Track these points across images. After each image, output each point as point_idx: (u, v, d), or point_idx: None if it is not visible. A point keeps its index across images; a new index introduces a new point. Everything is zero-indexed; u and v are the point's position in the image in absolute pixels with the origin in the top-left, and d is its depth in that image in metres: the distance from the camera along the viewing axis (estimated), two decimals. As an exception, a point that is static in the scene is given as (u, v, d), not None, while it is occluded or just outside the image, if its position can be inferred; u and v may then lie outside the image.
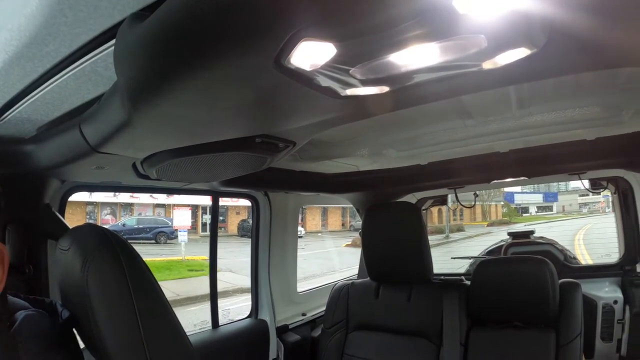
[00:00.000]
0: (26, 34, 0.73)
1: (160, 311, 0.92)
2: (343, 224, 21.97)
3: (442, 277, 2.78)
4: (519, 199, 26.91)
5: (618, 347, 2.99)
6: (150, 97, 0.75)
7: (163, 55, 0.64)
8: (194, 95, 0.75)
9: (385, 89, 0.81)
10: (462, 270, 4.28)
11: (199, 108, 0.83)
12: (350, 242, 15.42)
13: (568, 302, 1.93)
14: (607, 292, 3.06)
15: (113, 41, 0.73)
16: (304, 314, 2.64)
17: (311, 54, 0.64)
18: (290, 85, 0.74)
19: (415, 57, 0.67)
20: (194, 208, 15.65)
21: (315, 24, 0.57)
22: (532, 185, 22.35)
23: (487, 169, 2.30)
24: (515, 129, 1.72)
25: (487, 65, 0.71)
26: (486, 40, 0.61)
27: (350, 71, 0.71)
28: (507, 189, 20.91)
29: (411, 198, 3.28)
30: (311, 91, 0.78)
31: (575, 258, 4.32)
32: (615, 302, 2.99)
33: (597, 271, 3.29)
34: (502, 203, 26.74)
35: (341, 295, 2.28)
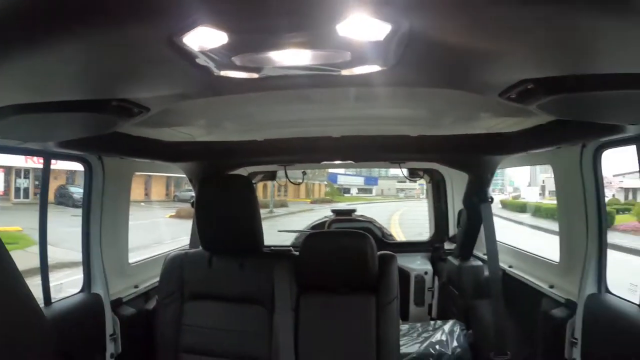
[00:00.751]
0: None
1: (9, 278, 0.88)
2: (167, 194, 21.06)
3: (272, 248, 2.96)
4: (342, 180, 28.60)
5: (429, 311, 3.56)
6: (16, 51, 0.72)
7: (53, 9, 0.62)
8: (76, 53, 0.74)
9: (255, 75, 0.91)
10: (287, 244, 4.35)
11: (73, 66, 0.81)
12: (174, 213, 14.87)
13: (386, 271, 2.15)
14: (419, 265, 3.60)
15: None
16: (136, 286, 2.52)
17: (204, 39, 0.70)
18: (172, 60, 0.78)
19: (290, 57, 0.78)
20: (7, 170, 13.27)
21: (215, 15, 0.63)
22: (355, 169, 24.35)
23: (320, 151, 2.48)
24: (350, 118, 1.90)
25: (345, 72, 0.87)
26: (351, 56, 0.76)
27: (232, 57, 0.78)
28: (331, 170, 22.29)
29: (242, 171, 3.31)
30: (189, 67, 0.83)
31: (391, 235, 4.77)
32: (426, 273, 3.55)
33: (411, 247, 3.86)
34: (325, 182, 28.11)
35: (175, 265, 2.23)
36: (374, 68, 0.83)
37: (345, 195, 28.94)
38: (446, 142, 2.28)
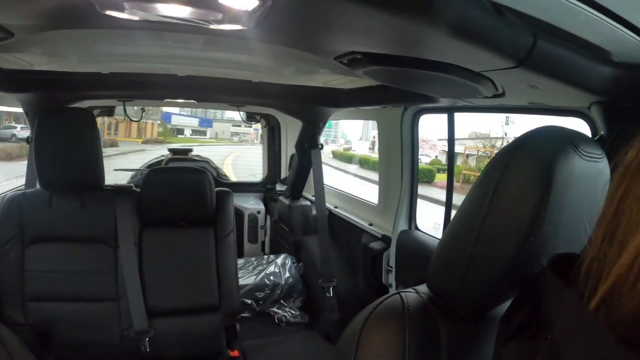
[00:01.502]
0: None
1: None
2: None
3: (113, 185, 2.95)
4: (176, 121, 27.30)
5: (262, 248, 3.90)
6: None
7: None
8: None
9: (135, 17, 1.04)
10: (124, 182, 4.40)
11: None
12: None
13: (223, 206, 2.31)
14: (252, 204, 3.89)
15: None
16: None
17: None
18: None
19: (172, 9, 0.96)
20: None
21: None
22: (189, 110, 23.45)
23: (165, 88, 2.51)
24: (197, 59, 1.91)
25: (213, 26, 1.07)
26: (222, 17, 0.97)
27: (124, 2, 0.92)
28: (165, 109, 21.08)
29: (79, 105, 3.00)
30: (78, 3, 0.92)
31: (226, 176, 5.03)
32: (259, 212, 3.86)
33: (245, 187, 4.12)
34: (158, 122, 26.72)
35: (12, 207, 2.08)
36: (237, 27, 1.04)
37: (179, 136, 27.75)
38: (285, 91, 2.48)
